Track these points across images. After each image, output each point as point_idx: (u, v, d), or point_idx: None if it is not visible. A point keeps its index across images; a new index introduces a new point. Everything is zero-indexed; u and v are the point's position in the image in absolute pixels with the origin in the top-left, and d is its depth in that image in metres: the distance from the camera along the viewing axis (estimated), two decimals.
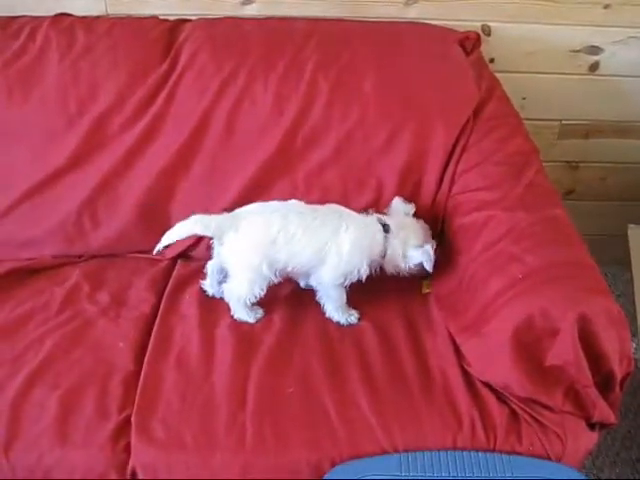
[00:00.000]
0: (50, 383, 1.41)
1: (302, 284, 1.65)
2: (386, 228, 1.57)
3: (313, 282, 1.59)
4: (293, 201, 1.60)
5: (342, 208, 1.60)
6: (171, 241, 1.55)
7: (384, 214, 1.63)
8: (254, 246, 1.52)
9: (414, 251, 1.56)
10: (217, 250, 1.58)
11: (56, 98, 1.72)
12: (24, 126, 1.74)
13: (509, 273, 1.41)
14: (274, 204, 1.58)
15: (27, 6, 1.87)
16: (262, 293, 1.54)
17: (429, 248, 1.55)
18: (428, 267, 1.55)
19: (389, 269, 1.59)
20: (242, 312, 1.56)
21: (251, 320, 1.56)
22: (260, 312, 1.58)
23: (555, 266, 1.39)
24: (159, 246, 1.55)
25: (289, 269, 1.54)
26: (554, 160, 2.22)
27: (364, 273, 1.55)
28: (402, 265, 1.58)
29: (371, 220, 1.58)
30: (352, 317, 1.58)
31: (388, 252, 1.56)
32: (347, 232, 1.52)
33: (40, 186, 1.73)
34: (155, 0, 1.91)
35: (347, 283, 1.56)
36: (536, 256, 1.40)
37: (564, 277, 1.37)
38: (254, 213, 1.56)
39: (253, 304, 1.56)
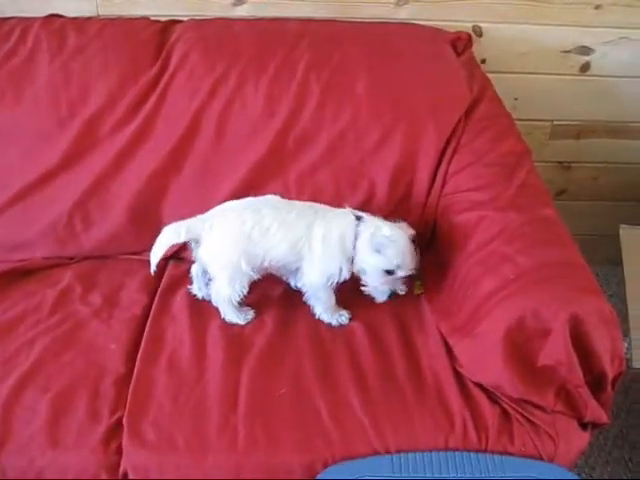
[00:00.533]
0: (41, 385, 1.41)
1: (292, 284, 1.64)
2: (359, 218, 1.53)
3: (299, 284, 1.58)
4: (269, 196, 1.60)
5: (319, 205, 1.59)
6: (158, 258, 1.57)
7: None
8: (230, 243, 1.52)
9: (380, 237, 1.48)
10: (195, 253, 1.59)
11: (47, 100, 1.72)
12: (15, 128, 1.73)
13: (501, 274, 1.41)
14: (248, 200, 1.59)
15: (18, 7, 1.86)
16: (245, 291, 1.54)
17: (394, 235, 1.48)
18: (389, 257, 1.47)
19: (357, 269, 1.53)
20: (231, 314, 1.55)
21: (241, 322, 1.56)
22: (251, 314, 1.58)
23: (547, 266, 1.39)
24: (153, 267, 1.57)
25: (266, 264, 1.54)
26: (546, 160, 2.22)
27: (346, 272, 1.53)
28: (370, 260, 1.50)
29: (344, 212, 1.56)
30: (342, 317, 1.57)
31: (357, 243, 1.51)
32: (319, 226, 1.52)
33: (31, 188, 1.73)
34: (146, 1, 1.91)
35: (332, 284, 1.54)
36: (528, 256, 1.41)
37: (556, 277, 1.37)
38: (227, 210, 1.57)
39: (242, 305, 1.56)
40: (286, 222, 1.52)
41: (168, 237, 1.56)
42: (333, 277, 1.53)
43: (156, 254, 1.57)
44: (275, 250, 1.52)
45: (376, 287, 1.54)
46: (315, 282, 1.54)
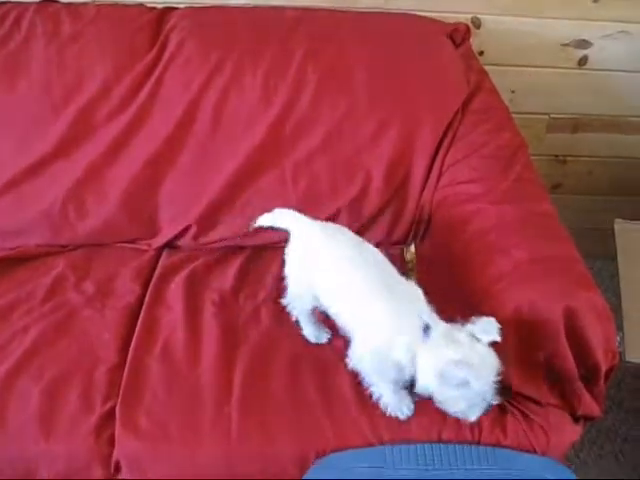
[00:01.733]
0: (34, 374, 1.40)
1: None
2: (427, 328, 1.24)
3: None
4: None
5: (399, 278, 1.36)
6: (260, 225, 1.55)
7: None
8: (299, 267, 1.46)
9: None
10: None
11: (41, 86, 1.70)
12: (9, 114, 1.72)
13: (496, 267, 1.41)
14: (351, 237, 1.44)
15: None
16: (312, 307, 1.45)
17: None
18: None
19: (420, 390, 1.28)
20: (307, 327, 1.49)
21: (312, 339, 1.49)
22: (325, 336, 1.49)
23: (542, 260, 1.39)
24: (253, 225, 1.56)
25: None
26: (542, 154, 2.22)
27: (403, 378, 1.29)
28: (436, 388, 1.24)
29: (412, 311, 1.27)
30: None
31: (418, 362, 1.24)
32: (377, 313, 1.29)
33: (25, 175, 1.71)
34: None
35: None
36: (523, 250, 1.40)
37: (551, 271, 1.37)
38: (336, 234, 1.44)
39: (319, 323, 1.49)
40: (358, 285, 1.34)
41: (280, 221, 1.51)
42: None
43: (261, 222, 1.54)
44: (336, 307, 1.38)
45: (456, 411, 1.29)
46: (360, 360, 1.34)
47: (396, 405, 1.34)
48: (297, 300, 1.47)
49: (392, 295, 1.30)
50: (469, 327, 1.23)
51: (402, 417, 1.33)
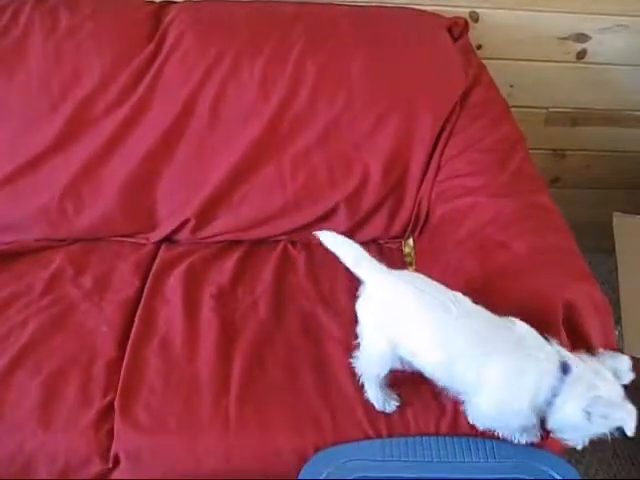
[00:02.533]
0: (32, 368, 1.40)
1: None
2: (565, 368, 1.18)
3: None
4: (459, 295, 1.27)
5: (517, 322, 1.23)
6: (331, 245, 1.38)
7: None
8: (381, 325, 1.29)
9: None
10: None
11: (39, 81, 1.70)
12: (6, 109, 1.71)
13: (495, 260, 1.41)
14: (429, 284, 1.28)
15: None
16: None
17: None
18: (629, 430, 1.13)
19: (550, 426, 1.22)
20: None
21: (378, 406, 1.35)
22: (394, 404, 1.36)
23: (541, 252, 1.39)
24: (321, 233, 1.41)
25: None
26: (540, 148, 2.22)
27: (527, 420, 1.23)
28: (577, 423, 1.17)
29: (549, 353, 1.19)
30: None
31: (556, 401, 1.17)
32: (504, 360, 1.20)
33: (22, 170, 1.71)
34: None
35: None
36: (522, 242, 1.41)
37: (550, 264, 1.37)
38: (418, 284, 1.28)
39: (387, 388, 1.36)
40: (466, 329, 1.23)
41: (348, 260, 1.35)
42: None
43: (323, 240, 1.38)
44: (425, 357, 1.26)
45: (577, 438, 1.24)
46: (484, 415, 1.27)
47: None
48: (374, 362, 1.31)
49: (505, 343, 1.20)
50: (607, 363, 1.19)
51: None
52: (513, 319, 1.23)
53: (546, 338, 1.21)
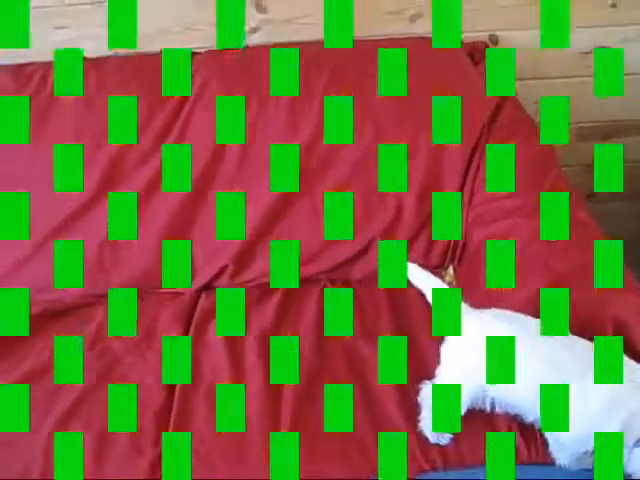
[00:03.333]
0: (83, 422, 1.40)
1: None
2: None
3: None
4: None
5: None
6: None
7: None
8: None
9: None
10: None
11: (71, 137, 1.74)
12: (43, 168, 1.74)
13: (536, 281, 1.39)
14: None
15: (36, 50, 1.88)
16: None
17: None
18: None
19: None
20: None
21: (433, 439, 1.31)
22: (447, 436, 1.31)
23: (583, 269, 1.37)
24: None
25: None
26: (574, 164, 2.19)
27: None
28: None
29: None
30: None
31: None
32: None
33: (62, 226, 1.74)
34: (159, 36, 1.91)
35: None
36: (564, 260, 1.39)
37: (592, 279, 1.34)
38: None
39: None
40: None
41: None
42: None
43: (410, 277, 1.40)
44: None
45: None
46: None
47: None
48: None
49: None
50: None
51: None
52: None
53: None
